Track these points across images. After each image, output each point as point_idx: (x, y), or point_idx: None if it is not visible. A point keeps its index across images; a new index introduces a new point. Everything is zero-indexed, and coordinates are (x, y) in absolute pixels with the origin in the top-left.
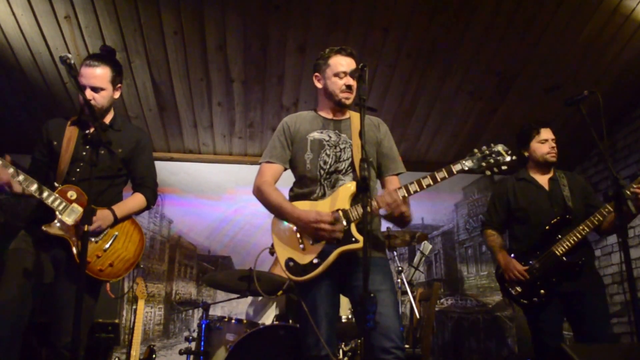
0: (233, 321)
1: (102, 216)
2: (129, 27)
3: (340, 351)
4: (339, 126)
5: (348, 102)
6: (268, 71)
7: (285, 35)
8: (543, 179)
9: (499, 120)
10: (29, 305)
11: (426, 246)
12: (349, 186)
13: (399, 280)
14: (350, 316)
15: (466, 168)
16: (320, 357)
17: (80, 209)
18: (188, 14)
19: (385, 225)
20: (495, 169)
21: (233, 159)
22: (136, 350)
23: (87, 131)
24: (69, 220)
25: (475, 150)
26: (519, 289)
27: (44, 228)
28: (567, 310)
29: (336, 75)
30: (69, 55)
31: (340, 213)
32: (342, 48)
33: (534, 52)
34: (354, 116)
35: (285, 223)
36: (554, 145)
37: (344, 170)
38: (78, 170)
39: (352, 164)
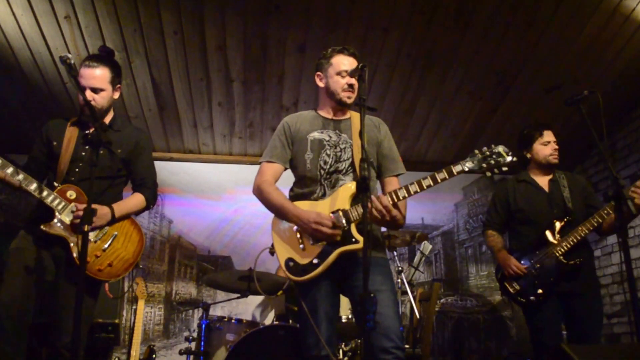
0: (233, 321)
1: (102, 213)
2: (129, 27)
3: (340, 351)
4: (340, 126)
5: (349, 101)
6: (268, 71)
7: (285, 35)
8: (543, 181)
9: (498, 120)
10: (32, 303)
11: (426, 246)
12: (349, 186)
13: (399, 280)
14: (350, 316)
15: (466, 169)
16: (320, 357)
17: (81, 206)
18: (188, 14)
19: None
20: (496, 170)
21: (233, 159)
22: (136, 350)
23: (87, 131)
24: (68, 219)
25: (476, 151)
26: (517, 287)
27: (43, 227)
28: (564, 309)
29: (338, 74)
30: (69, 55)
31: (341, 213)
32: (345, 48)
33: (534, 52)
34: (354, 116)
35: (286, 223)
36: (556, 147)
37: (344, 170)
38: (77, 170)
39: (352, 164)
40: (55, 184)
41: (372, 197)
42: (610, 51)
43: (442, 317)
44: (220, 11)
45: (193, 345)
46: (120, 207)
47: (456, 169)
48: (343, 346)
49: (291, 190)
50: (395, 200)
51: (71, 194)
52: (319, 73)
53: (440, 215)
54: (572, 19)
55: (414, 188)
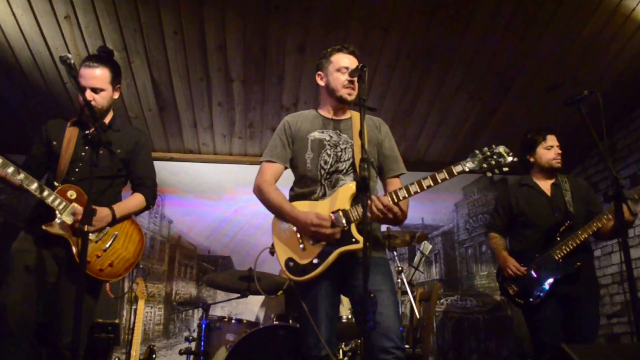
0: (233, 321)
1: (102, 215)
2: (129, 27)
3: (340, 351)
4: (340, 126)
5: (350, 97)
6: (268, 71)
7: (285, 35)
8: (546, 185)
9: (498, 120)
10: (35, 304)
11: (426, 246)
12: (349, 186)
13: (399, 280)
14: (350, 316)
15: (467, 169)
16: (320, 357)
17: (80, 209)
18: (188, 14)
19: (385, 225)
20: (497, 170)
21: (233, 159)
22: (136, 350)
23: (87, 132)
24: (69, 219)
25: (477, 152)
26: (515, 288)
27: (44, 227)
28: (562, 311)
29: (338, 70)
30: (69, 55)
31: (341, 213)
32: (344, 46)
33: (534, 52)
34: (355, 116)
35: (286, 223)
36: (559, 151)
37: (344, 171)
38: (77, 170)
39: (353, 164)
40: (56, 183)
41: (373, 197)
42: (610, 51)
43: (442, 317)
44: (220, 11)
45: (193, 345)
46: (120, 208)
47: (456, 169)
48: (343, 346)
49: (291, 190)
50: (396, 200)
51: (72, 193)
52: (319, 73)
53: (440, 215)
54: (572, 19)
55: (414, 188)
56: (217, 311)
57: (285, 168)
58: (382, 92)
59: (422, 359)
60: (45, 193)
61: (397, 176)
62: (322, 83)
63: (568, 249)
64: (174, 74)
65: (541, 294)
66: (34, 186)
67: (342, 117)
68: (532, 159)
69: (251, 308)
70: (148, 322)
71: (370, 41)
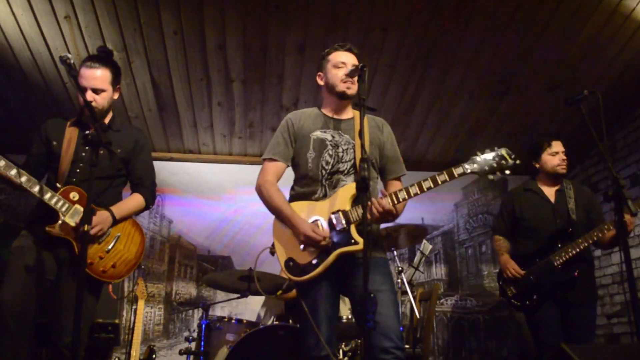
0: (233, 321)
1: (102, 218)
2: (128, 27)
3: (340, 351)
4: (343, 126)
5: (350, 91)
6: (268, 71)
7: (285, 35)
8: (550, 191)
9: (498, 120)
10: (34, 302)
11: (426, 246)
12: (350, 187)
13: (399, 280)
14: (350, 316)
15: (468, 172)
16: (320, 357)
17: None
18: (188, 14)
19: (385, 225)
20: (498, 173)
21: (233, 159)
22: (136, 350)
23: (87, 132)
24: (72, 221)
25: (478, 153)
26: (514, 290)
27: (47, 229)
28: (560, 314)
29: (335, 66)
30: (69, 55)
31: (341, 214)
32: (340, 45)
33: (534, 52)
34: (357, 116)
35: None
36: (564, 157)
37: (346, 171)
38: (78, 170)
39: (354, 165)
40: (58, 184)
41: (373, 199)
42: (610, 51)
43: (442, 317)
44: (220, 11)
45: (193, 345)
46: (120, 209)
47: (457, 171)
48: (343, 346)
49: (292, 189)
50: (396, 202)
51: (74, 195)
52: (319, 73)
53: (440, 215)
54: (572, 19)
55: (414, 190)
56: (217, 311)
57: (287, 166)
58: (382, 92)
59: (422, 359)
60: (48, 195)
61: (398, 178)
62: (322, 83)
63: (567, 256)
64: (174, 74)
65: (537, 298)
66: (36, 188)
67: (345, 117)
68: (537, 165)
69: (251, 308)
70: (148, 322)
71: (370, 41)
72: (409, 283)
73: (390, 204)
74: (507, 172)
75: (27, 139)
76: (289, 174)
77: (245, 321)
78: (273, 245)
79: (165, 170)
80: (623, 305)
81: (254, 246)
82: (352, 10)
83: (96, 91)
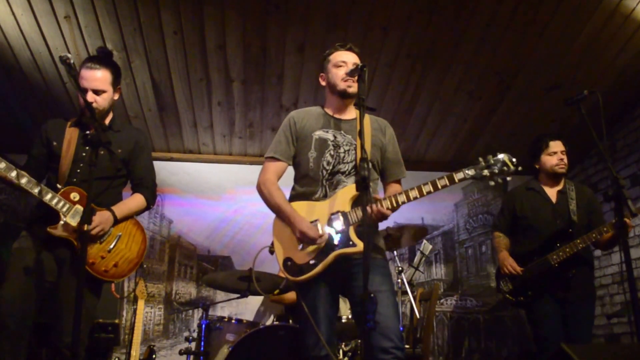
0: (233, 321)
1: (103, 219)
2: (128, 27)
3: (340, 351)
4: (345, 126)
5: (350, 90)
6: (268, 71)
7: (285, 35)
8: (552, 191)
9: (498, 120)
10: (34, 303)
11: (426, 246)
12: (350, 188)
13: (399, 280)
14: (350, 316)
15: (469, 177)
16: (320, 357)
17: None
18: (188, 14)
19: (385, 225)
20: (500, 179)
21: (233, 159)
22: (136, 350)
23: (87, 132)
24: (73, 222)
25: (480, 159)
26: (510, 285)
27: (49, 229)
28: (560, 310)
29: (336, 65)
30: (69, 55)
31: (340, 215)
32: (341, 44)
33: (534, 52)
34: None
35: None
36: (562, 157)
37: (346, 172)
38: (79, 171)
39: (355, 167)
40: (58, 185)
41: (373, 205)
42: (610, 51)
43: (442, 317)
44: (220, 11)
45: (193, 345)
46: (120, 209)
47: (458, 176)
48: (343, 346)
49: (292, 189)
50: (394, 205)
51: (75, 195)
52: (321, 74)
53: (440, 215)
54: (572, 19)
55: (413, 194)
56: (217, 311)
57: (289, 165)
58: (381, 92)
59: (422, 359)
60: (49, 196)
61: (398, 180)
62: (324, 83)
63: (565, 256)
64: (174, 74)
65: (532, 294)
66: (37, 190)
67: (347, 117)
68: (537, 166)
69: (251, 308)
70: (148, 322)
71: (370, 41)
72: (409, 283)
73: (389, 206)
74: (509, 178)
75: (27, 139)
76: (290, 175)
77: (245, 321)
78: (272, 244)
79: (165, 170)
80: (623, 305)
81: (253, 246)
82: (352, 10)
83: (97, 92)
